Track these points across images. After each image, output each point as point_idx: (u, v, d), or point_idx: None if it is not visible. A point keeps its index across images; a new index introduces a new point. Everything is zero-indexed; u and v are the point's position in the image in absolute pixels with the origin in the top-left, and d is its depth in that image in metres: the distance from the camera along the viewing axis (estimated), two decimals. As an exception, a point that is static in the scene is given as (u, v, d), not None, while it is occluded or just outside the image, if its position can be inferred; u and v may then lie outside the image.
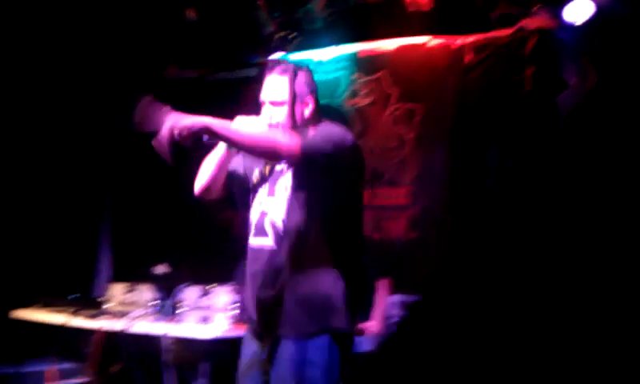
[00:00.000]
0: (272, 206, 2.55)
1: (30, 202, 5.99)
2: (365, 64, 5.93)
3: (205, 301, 4.29)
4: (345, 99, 5.98)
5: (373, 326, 4.49)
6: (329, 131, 2.50)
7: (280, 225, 2.50)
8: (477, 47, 5.33)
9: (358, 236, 2.61)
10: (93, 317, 4.51)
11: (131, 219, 6.48)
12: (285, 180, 2.56)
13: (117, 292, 4.75)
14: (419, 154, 5.59)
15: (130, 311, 4.42)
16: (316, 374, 2.35)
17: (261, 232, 2.56)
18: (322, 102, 2.70)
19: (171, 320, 4.33)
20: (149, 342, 4.23)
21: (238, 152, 2.60)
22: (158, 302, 4.49)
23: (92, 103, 6.16)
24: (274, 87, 2.55)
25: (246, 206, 2.70)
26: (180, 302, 4.37)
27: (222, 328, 4.11)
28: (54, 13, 5.58)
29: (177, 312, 4.36)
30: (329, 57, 6.10)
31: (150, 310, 4.44)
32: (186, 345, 4.21)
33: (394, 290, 4.68)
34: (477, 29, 5.34)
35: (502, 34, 5.19)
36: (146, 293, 4.52)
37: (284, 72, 2.56)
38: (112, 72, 6.08)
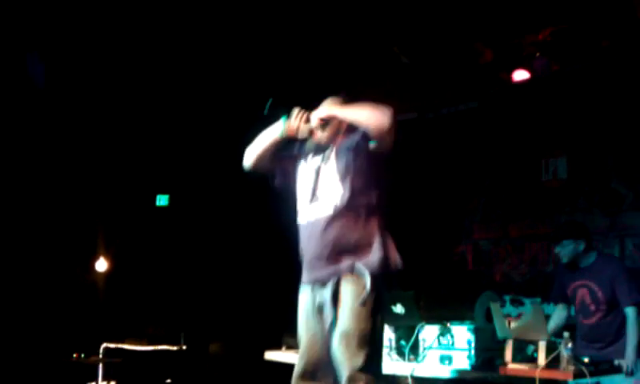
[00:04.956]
0: (323, 183, 3.03)
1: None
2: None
3: (444, 340, 4.22)
4: None
5: (624, 363, 4.05)
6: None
7: (337, 197, 2.97)
8: None
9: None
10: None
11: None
12: (334, 159, 3.04)
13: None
14: None
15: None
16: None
17: (317, 205, 3.02)
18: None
19: (412, 359, 4.31)
20: (391, 382, 4.25)
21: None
22: (397, 341, 4.49)
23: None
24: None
25: (291, 182, 3.17)
26: (420, 341, 4.34)
27: (463, 367, 4.01)
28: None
29: (417, 351, 4.33)
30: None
31: (390, 349, 4.46)
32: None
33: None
34: None
35: None
36: (385, 333, 4.54)
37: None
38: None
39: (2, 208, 6.46)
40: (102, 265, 7.45)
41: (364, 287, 2.86)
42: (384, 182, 3.08)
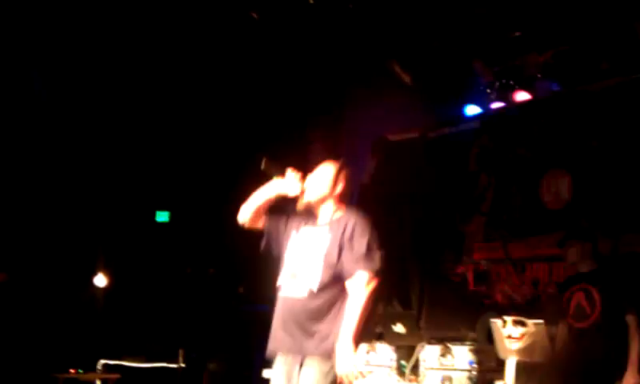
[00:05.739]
0: (306, 263, 3.05)
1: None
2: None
3: (445, 360, 4.20)
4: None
5: (625, 380, 3.89)
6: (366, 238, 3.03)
7: (314, 281, 3.00)
8: None
9: None
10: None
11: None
12: (321, 241, 3.07)
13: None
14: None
15: (371, 370, 4.45)
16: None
17: (295, 284, 3.05)
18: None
19: (412, 380, 4.30)
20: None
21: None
22: (398, 361, 4.48)
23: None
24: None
25: (278, 249, 3.21)
26: (420, 361, 4.33)
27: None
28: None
29: (417, 371, 4.32)
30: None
31: (390, 369, 4.45)
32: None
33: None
34: None
35: None
36: (385, 352, 4.54)
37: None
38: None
39: (1, 223, 6.46)
40: (101, 280, 7.43)
41: (330, 368, 2.90)
42: None
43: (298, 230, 3.19)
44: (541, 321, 3.79)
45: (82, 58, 6.07)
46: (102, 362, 6.57)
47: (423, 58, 6.14)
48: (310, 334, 2.98)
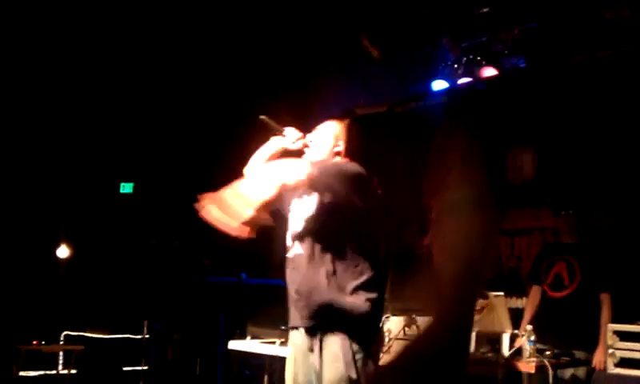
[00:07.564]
0: (301, 223, 2.84)
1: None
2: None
3: (410, 331, 4.25)
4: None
5: (595, 357, 3.96)
6: (338, 169, 2.77)
7: (308, 241, 2.77)
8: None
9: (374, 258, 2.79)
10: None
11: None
12: (310, 204, 2.83)
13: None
14: None
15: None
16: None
17: (295, 245, 2.84)
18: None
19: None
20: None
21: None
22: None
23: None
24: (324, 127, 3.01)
25: (282, 210, 2.97)
26: (385, 332, 4.37)
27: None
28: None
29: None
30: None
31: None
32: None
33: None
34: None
35: None
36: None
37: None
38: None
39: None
40: (63, 251, 7.33)
41: (347, 352, 2.61)
42: (370, 232, 2.81)
43: (300, 197, 2.91)
44: (501, 293, 3.86)
45: (42, 28, 5.90)
46: (65, 333, 6.51)
47: (392, 32, 6.13)
48: (320, 308, 2.67)
